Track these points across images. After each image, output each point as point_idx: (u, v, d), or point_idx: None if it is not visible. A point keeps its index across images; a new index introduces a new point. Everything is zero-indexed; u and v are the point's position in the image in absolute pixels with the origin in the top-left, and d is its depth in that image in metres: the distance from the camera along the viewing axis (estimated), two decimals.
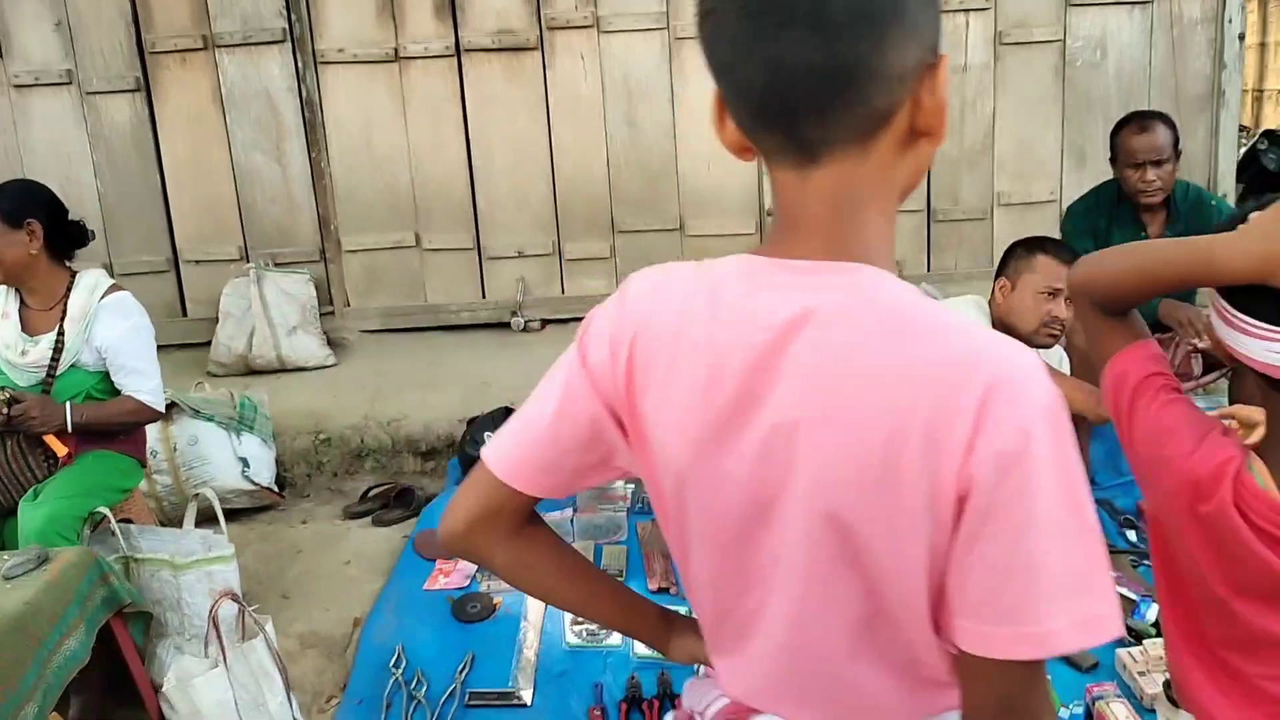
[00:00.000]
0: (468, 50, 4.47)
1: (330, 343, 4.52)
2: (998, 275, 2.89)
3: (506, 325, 4.69)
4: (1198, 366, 3.59)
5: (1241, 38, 4.40)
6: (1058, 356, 3.11)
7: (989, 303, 2.92)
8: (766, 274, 0.83)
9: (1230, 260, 1.09)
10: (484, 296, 4.73)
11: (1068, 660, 2.70)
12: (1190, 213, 3.53)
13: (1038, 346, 2.79)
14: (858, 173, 0.80)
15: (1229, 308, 1.13)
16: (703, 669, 1.04)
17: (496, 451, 0.97)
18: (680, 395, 0.86)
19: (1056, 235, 3.34)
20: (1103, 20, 4.39)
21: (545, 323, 4.69)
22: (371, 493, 3.63)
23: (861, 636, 0.84)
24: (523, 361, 4.26)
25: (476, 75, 4.50)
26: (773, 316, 0.81)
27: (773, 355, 0.80)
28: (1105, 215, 3.58)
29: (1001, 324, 2.82)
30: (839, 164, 0.79)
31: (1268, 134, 7.53)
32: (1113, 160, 3.56)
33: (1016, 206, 4.58)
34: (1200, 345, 3.29)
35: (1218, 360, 3.64)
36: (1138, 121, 3.48)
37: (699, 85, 4.48)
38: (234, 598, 2.39)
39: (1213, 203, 3.57)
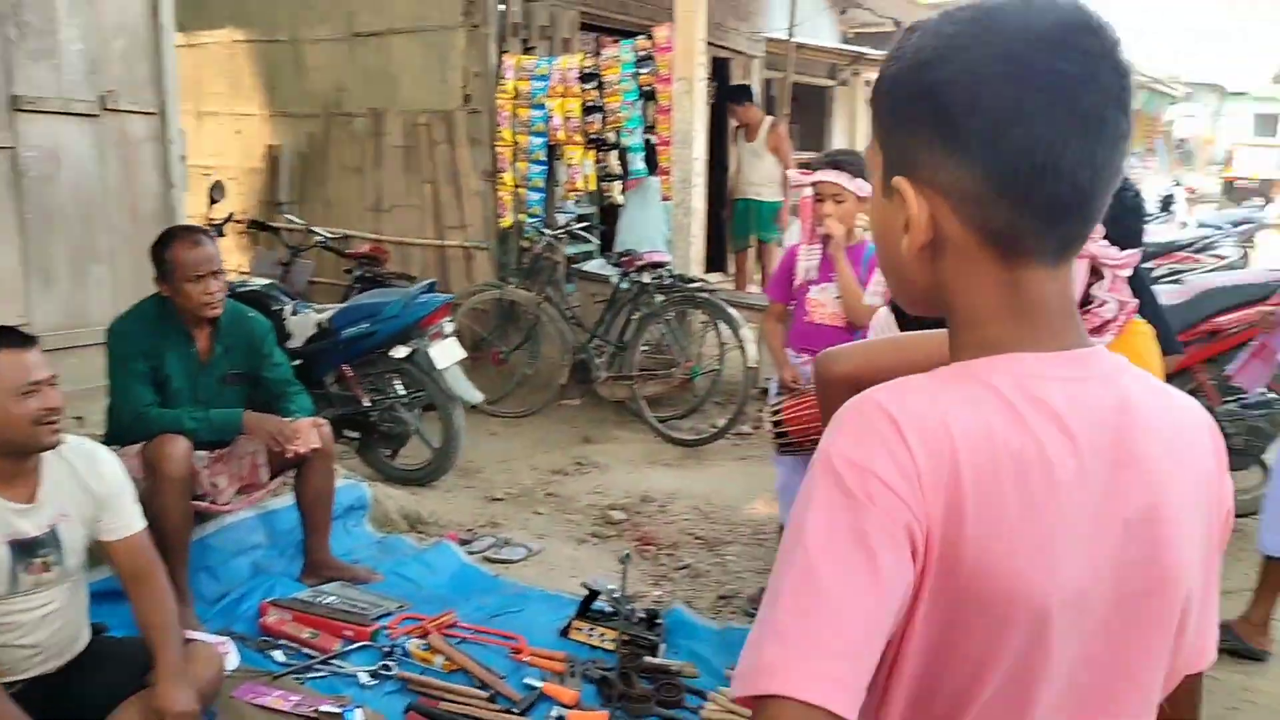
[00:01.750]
0: None
1: None
2: None
3: None
4: (265, 475, 3.65)
5: (183, 158, 4.53)
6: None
7: None
8: (1055, 368, 0.81)
9: None
10: None
11: None
12: (233, 325, 3.57)
13: (42, 448, 2.49)
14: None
15: None
16: None
17: (820, 682, 0.70)
18: (1030, 521, 0.77)
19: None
20: (54, 130, 4.03)
21: None
22: None
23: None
24: None
25: None
26: (1098, 413, 0.80)
27: (1116, 450, 0.80)
28: (153, 333, 3.38)
29: None
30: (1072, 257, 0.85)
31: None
32: (162, 278, 3.39)
33: None
34: (293, 449, 3.37)
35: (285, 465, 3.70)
36: (188, 236, 3.41)
37: None
38: None
39: (250, 315, 3.67)
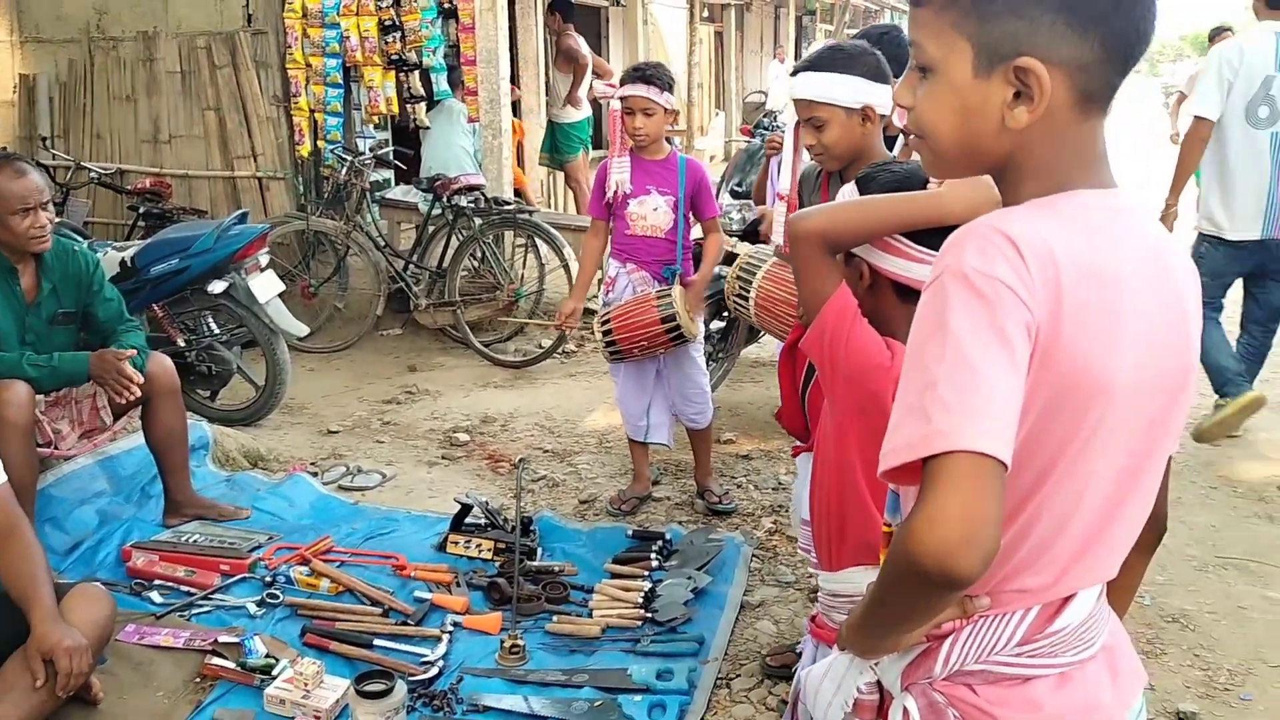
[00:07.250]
0: None
1: None
2: None
3: None
4: (108, 418, 3.47)
5: None
6: None
7: None
8: (1116, 201, 0.99)
9: (955, 210, 1.44)
10: None
11: None
12: (59, 260, 3.34)
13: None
14: None
15: (907, 242, 1.50)
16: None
17: (988, 437, 0.86)
18: (1107, 322, 0.94)
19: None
20: None
21: None
22: None
23: None
24: None
25: None
26: (1141, 237, 0.99)
27: (1157, 265, 0.99)
28: None
29: None
30: None
31: None
32: None
33: None
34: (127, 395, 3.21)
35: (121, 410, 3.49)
36: (9, 166, 3.17)
37: None
38: None
39: (76, 248, 3.43)
